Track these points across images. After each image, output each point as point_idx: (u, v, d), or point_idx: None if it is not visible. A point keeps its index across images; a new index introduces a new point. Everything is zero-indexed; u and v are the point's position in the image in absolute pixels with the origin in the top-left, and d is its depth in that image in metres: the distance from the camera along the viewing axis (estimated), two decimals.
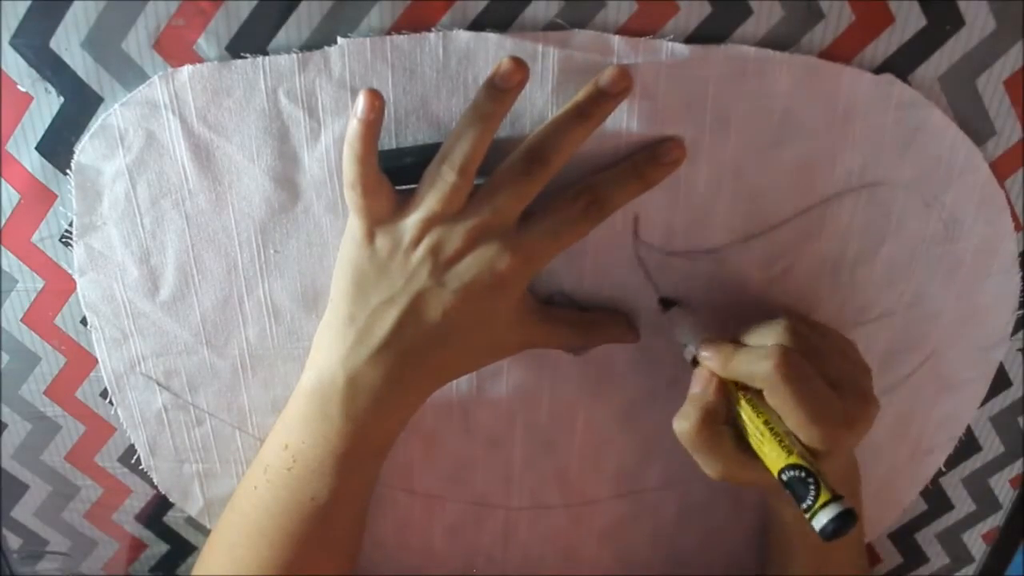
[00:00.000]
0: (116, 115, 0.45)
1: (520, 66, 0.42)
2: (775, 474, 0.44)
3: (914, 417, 0.59)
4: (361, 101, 0.41)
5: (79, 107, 0.46)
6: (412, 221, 0.45)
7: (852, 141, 0.48)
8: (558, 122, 0.44)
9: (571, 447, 0.57)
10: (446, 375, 0.50)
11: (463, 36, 0.44)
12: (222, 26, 0.44)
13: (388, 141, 0.46)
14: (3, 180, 0.48)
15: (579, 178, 0.46)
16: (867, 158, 0.48)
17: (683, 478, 0.60)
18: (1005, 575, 0.70)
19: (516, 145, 0.45)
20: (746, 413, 0.46)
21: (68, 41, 0.44)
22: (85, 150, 0.46)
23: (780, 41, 0.45)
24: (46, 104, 0.46)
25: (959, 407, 0.60)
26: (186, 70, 0.44)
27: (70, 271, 0.50)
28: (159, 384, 0.53)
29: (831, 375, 0.45)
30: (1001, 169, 0.50)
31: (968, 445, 0.63)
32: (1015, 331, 0.56)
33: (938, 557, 0.69)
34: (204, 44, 0.44)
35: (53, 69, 0.45)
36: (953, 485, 0.65)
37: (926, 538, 0.68)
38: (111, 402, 0.54)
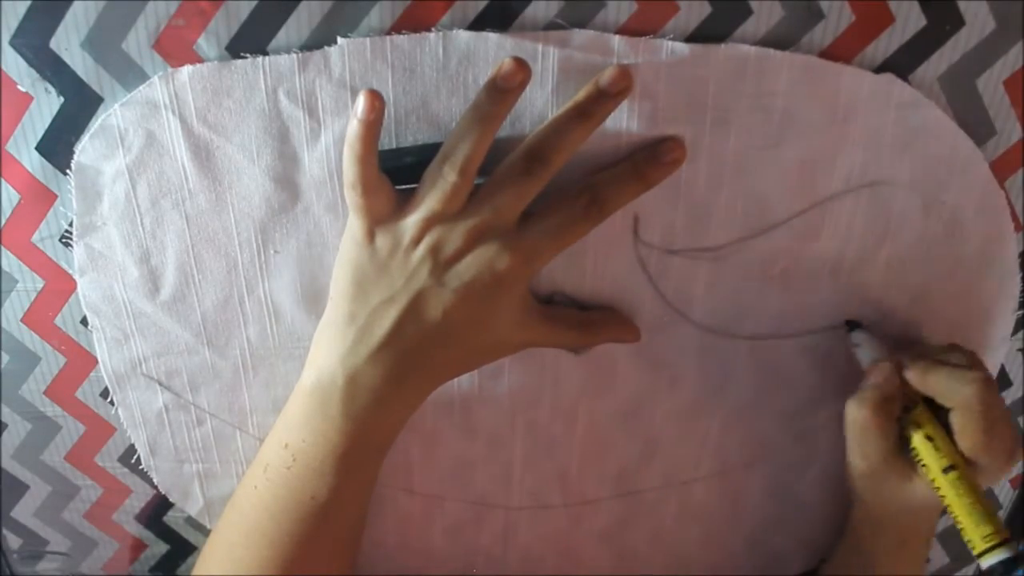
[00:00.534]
0: (116, 115, 0.45)
1: (521, 66, 0.42)
2: (936, 482, 0.49)
3: None
4: (361, 102, 0.41)
5: (79, 107, 0.46)
6: (412, 221, 0.45)
7: (852, 141, 0.48)
8: (558, 122, 0.44)
9: (571, 447, 0.57)
10: (446, 374, 0.50)
11: (463, 36, 0.44)
12: (222, 26, 0.44)
13: (388, 141, 0.46)
14: (3, 180, 0.48)
15: (579, 178, 0.46)
16: (867, 158, 0.48)
17: (683, 478, 0.60)
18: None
19: (516, 145, 0.45)
20: (921, 418, 0.50)
21: (68, 41, 0.44)
22: (85, 150, 0.46)
23: (780, 41, 0.45)
24: (46, 104, 0.46)
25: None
26: (186, 70, 0.44)
27: (70, 271, 0.50)
28: (160, 384, 0.53)
29: None
30: (1001, 169, 0.50)
31: None
32: (1015, 331, 0.56)
33: (938, 557, 0.68)
34: (204, 44, 0.44)
35: (53, 69, 0.45)
36: None
37: None
38: (111, 402, 0.54)
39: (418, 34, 0.44)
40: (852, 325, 0.53)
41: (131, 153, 0.46)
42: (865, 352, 0.52)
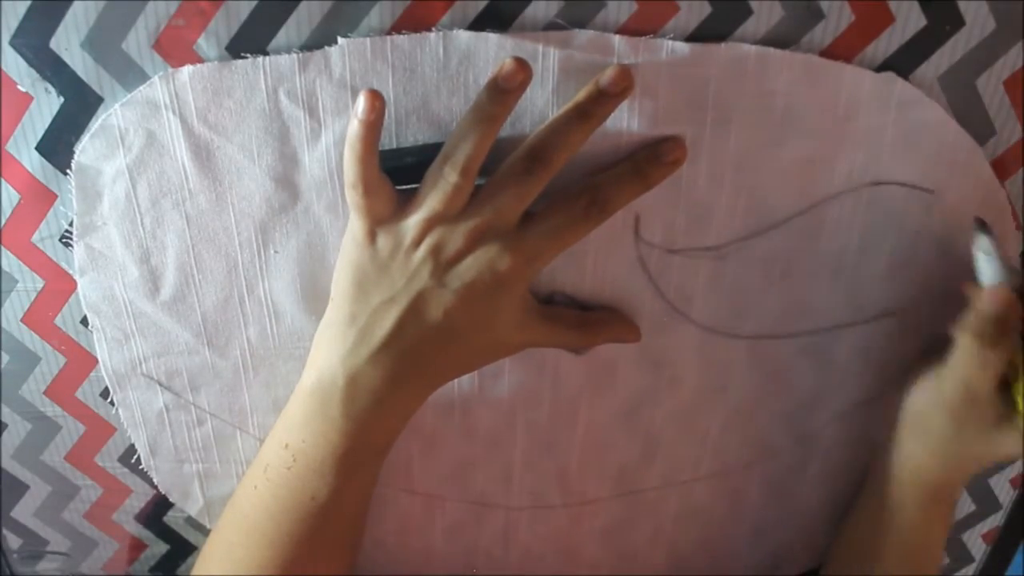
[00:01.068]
0: (116, 115, 0.45)
1: (523, 66, 0.42)
2: None
3: None
4: (361, 102, 0.41)
5: (79, 107, 0.46)
6: (413, 221, 0.45)
7: (853, 139, 0.48)
8: (559, 122, 0.44)
9: (571, 447, 0.57)
10: (447, 374, 0.50)
11: (463, 36, 0.44)
12: (222, 26, 0.44)
13: (389, 141, 0.46)
14: (3, 180, 0.48)
15: (580, 178, 0.46)
16: (868, 156, 0.48)
17: (683, 478, 0.60)
18: (1005, 575, 0.70)
19: (517, 145, 0.45)
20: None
21: (68, 41, 0.44)
22: (85, 150, 0.46)
23: (780, 41, 0.45)
24: (46, 104, 0.46)
25: None
26: (186, 70, 0.44)
27: (70, 271, 0.50)
28: (160, 384, 0.53)
29: None
30: (1001, 169, 0.50)
31: None
32: None
33: None
34: (204, 44, 0.44)
35: (53, 69, 0.44)
36: None
37: None
38: (111, 402, 0.54)
39: (418, 34, 0.44)
40: (980, 225, 0.50)
41: (131, 153, 0.46)
42: (987, 264, 0.49)
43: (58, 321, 0.52)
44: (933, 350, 0.52)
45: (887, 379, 0.57)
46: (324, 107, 0.45)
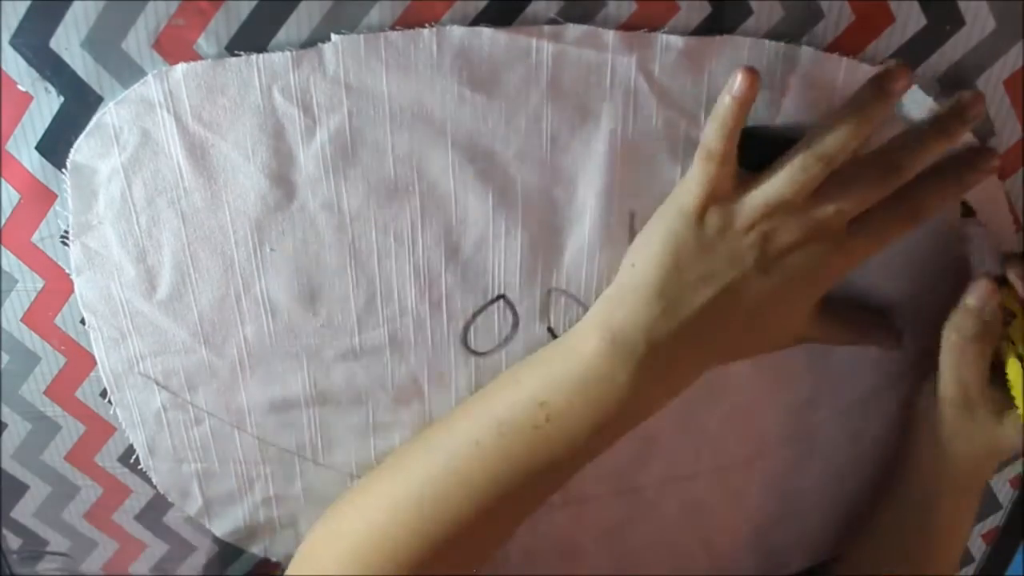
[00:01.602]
0: (111, 113, 0.45)
1: (906, 71, 0.43)
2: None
3: None
4: (739, 79, 0.42)
5: (79, 107, 0.46)
6: (753, 204, 0.45)
7: None
8: (917, 136, 0.45)
9: None
10: (734, 357, 0.51)
11: (457, 32, 0.44)
12: (222, 26, 0.44)
13: (386, 138, 0.46)
14: (3, 180, 0.48)
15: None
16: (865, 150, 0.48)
17: (682, 475, 0.59)
18: (1005, 575, 0.70)
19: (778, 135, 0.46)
20: (1016, 335, 0.49)
21: (68, 41, 0.44)
22: (80, 149, 0.46)
23: (780, 40, 0.45)
24: (46, 104, 0.46)
25: None
26: (180, 68, 0.44)
27: (70, 271, 0.50)
28: (157, 383, 0.53)
29: None
30: (1001, 169, 0.50)
31: None
32: None
33: None
34: (204, 44, 0.44)
35: (53, 69, 0.45)
36: None
37: None
38: (110, 402, 0.54)
39: (412, 30, 0.44)
40: (966, 210, 0.51)
41: (126, 151, 0.46)
42: (975, 250, 0.51)
43: (58, 321, 0.52)
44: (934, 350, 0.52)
45: (886, 376, 0.56)
46: (318, 104, 0.45)
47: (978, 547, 0.69)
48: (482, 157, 0.46)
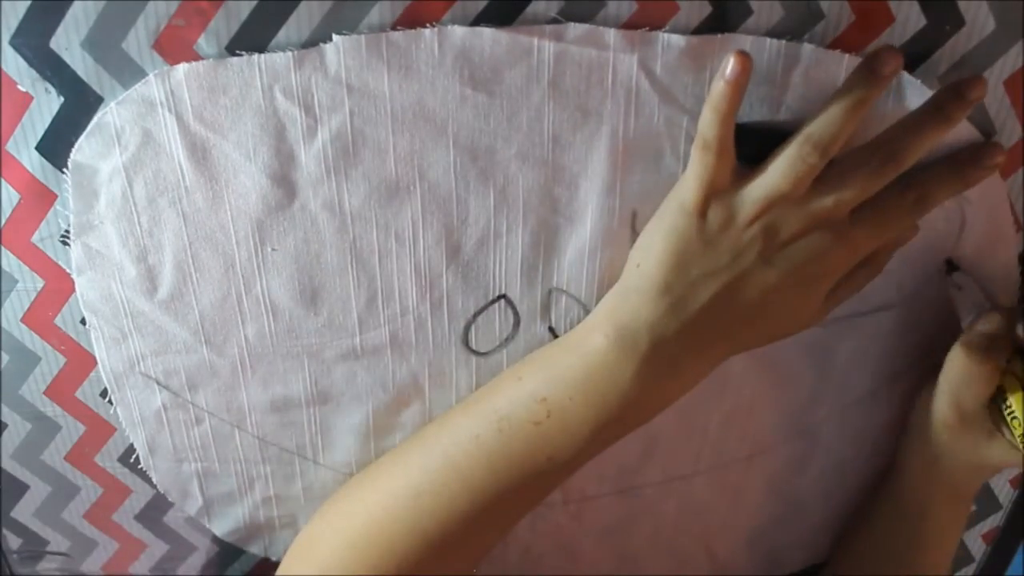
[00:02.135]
0: (112, 113, 0.45)
1: (896, 54, 0.43)
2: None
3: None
4: (731, 63, 0.42)
5: (79, 107, 0.46)
6: (753, 197, 0.45)
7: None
8: (914, 121, 0.45)
9: None
10: (742, 348, 0.50)
11: (458, 31, 0.44)
12: (222, 26, 0.44)
13: (387, 138, 0.46)
14: (3, 180, 0.48)
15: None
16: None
17: (683, 475, 0.59)
18: (1005, 575, 0.70)
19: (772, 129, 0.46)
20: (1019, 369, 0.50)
21: (68, 41, 0.44)
22: (81, 149, 0.46)
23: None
24: (46, 104, 0.46)
25: None
26: (182, 68, 0.44)
27: (70, 271, 0.50)
28: (158, 383, 0.53)
29: None
30: (1002, 169, 0.50)
31: None
32: None
33: None
34: (204, 44, 0.44)
35: (53, 69, 0.45)
36: None
37: None
38: (111, 402, 0.54)
39: (413, 30, 0.44)
40: (951, 266, 0.52)
41: (127, 151, 0.46)
42: (966, 297, 0.51)
43: (58, 321, 0.52)
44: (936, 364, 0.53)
45: (886, 374, 0.56)
46: (320, 104, 0.45)
47: (978, 547, 0.69)
48: (483, 156, 0.47)
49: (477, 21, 0.44)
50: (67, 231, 0.49)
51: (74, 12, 0.43)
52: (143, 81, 0.44)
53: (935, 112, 0.44)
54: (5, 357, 0.54)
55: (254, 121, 0.45)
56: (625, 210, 0.48)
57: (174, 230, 0.48)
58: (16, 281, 0.51)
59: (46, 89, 0.45)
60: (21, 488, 0.59)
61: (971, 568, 0.70)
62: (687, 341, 0.47)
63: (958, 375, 0.51)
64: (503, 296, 0.51)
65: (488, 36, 0.44)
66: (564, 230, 0.49)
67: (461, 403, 0.53)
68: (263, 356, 0.52)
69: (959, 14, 0.46)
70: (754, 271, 0.46)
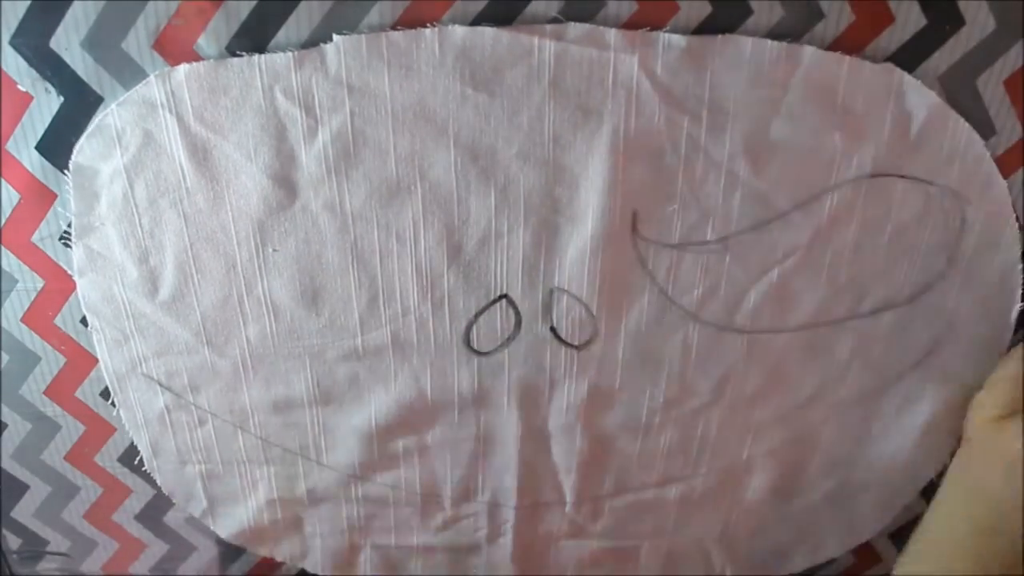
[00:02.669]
0: (113, 115, 0.45)
1: None
2: None
3: (915, 412, 0.59)
4: None
5: (79, 107, 0.46)
6: None
7: (851, 130, 0.48)
8: None
9: (572, 445, 0.57)
10: None
11: (459, 31, 0.44)
12: (222, 26, 0.44)
13: (388, 138, 0.46)
14: (3, 180, 0.48)
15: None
16: (867, 148, 0.48)
17: (683, 475, 0.60)
18: None
19: None
20: None
21: (68, 41, 0.44)
22: (82, 150, 0.46)
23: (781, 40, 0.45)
24: (46, 104, 0.46)
25: (960, 403, 0.60)
26: (182, 69, 0.44)
27: (70, 271, 0.50)
28: (160, 384, 0.53)
29: None
30: (1002, 168, 0.50)
31: None
32: (1017, 327, 0.56)
33: None
34: (204, 44, 0.44)
35: (53, 69, 0.45)
36: None
37: None
38: (112, 403, 0.54)
39: (414, 30, 0.44)
40: None
41: (128, 153, 0.46)
42: None
43: (58, 321, 0.52)
44: None
45: (886, 374, 0.56)
46: (320, 104, 0.45)
47: None
48: (484, 156, 0.47)
49: (477, 21, 0.44)
50: (67, 231, 0.49)
51: (74, 12, 0.43)
52: (143, 82, 0.45)
53: None
54: (5, 357, 0.54)
55: (255, 121, 0.45)
56: (626, 210, 0.48)
57: (175, 231, 0.48)
58: (16, 281, 0.51)
59: (46, 89, 0.45)
60: (21, 488, 0.59)
61: None
62: None
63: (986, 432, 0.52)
64: (504, 296, 0.51)
65: (489, 36, 0.44)
66: (565, 230, 0.49)
67: None
68: (265, 357, 0.52)
69: (959, 14, 0.46)
70: None
